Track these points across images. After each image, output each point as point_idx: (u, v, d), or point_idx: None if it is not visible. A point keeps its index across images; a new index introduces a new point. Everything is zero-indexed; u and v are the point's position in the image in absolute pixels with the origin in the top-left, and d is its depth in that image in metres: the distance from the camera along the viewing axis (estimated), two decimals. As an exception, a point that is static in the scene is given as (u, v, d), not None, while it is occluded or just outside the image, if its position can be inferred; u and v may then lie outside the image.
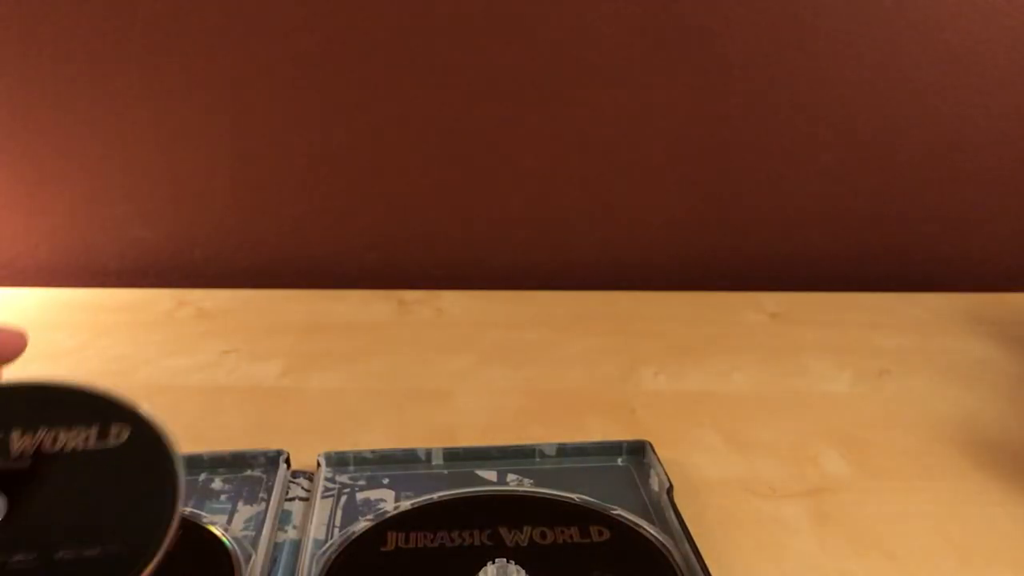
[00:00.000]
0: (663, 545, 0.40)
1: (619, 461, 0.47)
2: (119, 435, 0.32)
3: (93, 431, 0.32)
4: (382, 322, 0.65)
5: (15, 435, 0.31)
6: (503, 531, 0.41)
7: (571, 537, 0.41)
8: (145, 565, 0.29)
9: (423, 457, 0.46)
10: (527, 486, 0.45)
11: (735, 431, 0.51)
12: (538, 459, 0.47)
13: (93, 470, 0.31)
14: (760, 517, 0.44)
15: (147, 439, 0.32)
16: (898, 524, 0.44)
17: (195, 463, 0.45)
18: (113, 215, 0.71)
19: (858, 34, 0.65)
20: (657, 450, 0.47)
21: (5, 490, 0.30)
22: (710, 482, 0.47)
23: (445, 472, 0.46)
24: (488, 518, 0.42)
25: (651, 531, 0.41)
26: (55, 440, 0.32)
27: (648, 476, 0.46)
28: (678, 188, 0.70)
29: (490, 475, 0.46)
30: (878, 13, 0.64)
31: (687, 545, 0.39)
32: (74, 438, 0.32)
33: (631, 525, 0.42)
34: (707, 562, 0.38)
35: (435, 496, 0.44)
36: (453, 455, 0.47)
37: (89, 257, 0.72)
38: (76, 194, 0.70)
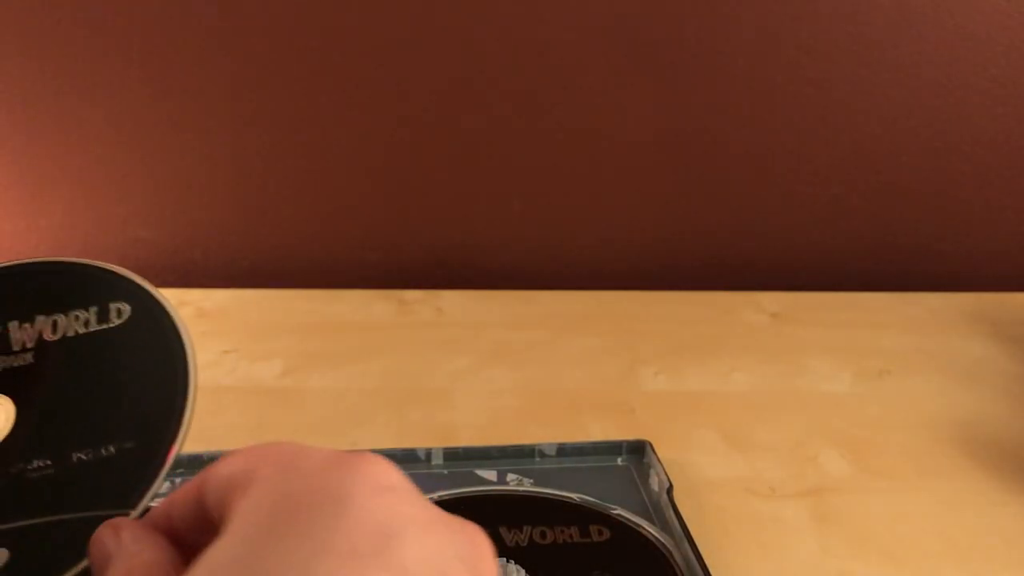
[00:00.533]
0: (663, 545, 0.40)
1: (619, 461, 0.47)
2: (120, 313, 0.30)
3: (92, 312, 0.29)
4: (382, 322, 0.65)
5: (13, 326, 0.29)
6: (503, 531, 0.41)
7: (571, 537, 0.41)
8: (164, 459, 0.27)
9: (423, 457, 0.46)
10: (527, 486, 0.45)
11: (735, 431, 0.51)
12: (538, 459, 0.47)
13: (98, 355, 0.29)
14: (760, 517, 0.44)
15: (150, 314, 0.30)
16: (898, 524, 0.44)
17: (195, 463, 0.45)
18: (113, 215, 0.71)
19: (858, 34, 0.65)
20: (657, 450, 0.47)
21: (9, 391, 0.28)
22: (710, 482, 0.47)
23: (445, 472, 0.46)
24: (488, 518, 0.42)
25: (651, 531, 0.41)
26: (55, 327, 0.29)
27: (648, 476, 0.46)
28: (678, 188, 0.70)
29: (490, 475, 0.46)
30: (878, 12, 0.64)
31: (687, 545, 0.39)
32: (74, 323, 0.29)
33: (631, 525, 0.42)
34: (707, 562, 0.38)
35: (435, 496, 0.44)
36: (453, 455, 0.47)
37: (89, 257, 0.72)
38: (76, 194, 0.70)
